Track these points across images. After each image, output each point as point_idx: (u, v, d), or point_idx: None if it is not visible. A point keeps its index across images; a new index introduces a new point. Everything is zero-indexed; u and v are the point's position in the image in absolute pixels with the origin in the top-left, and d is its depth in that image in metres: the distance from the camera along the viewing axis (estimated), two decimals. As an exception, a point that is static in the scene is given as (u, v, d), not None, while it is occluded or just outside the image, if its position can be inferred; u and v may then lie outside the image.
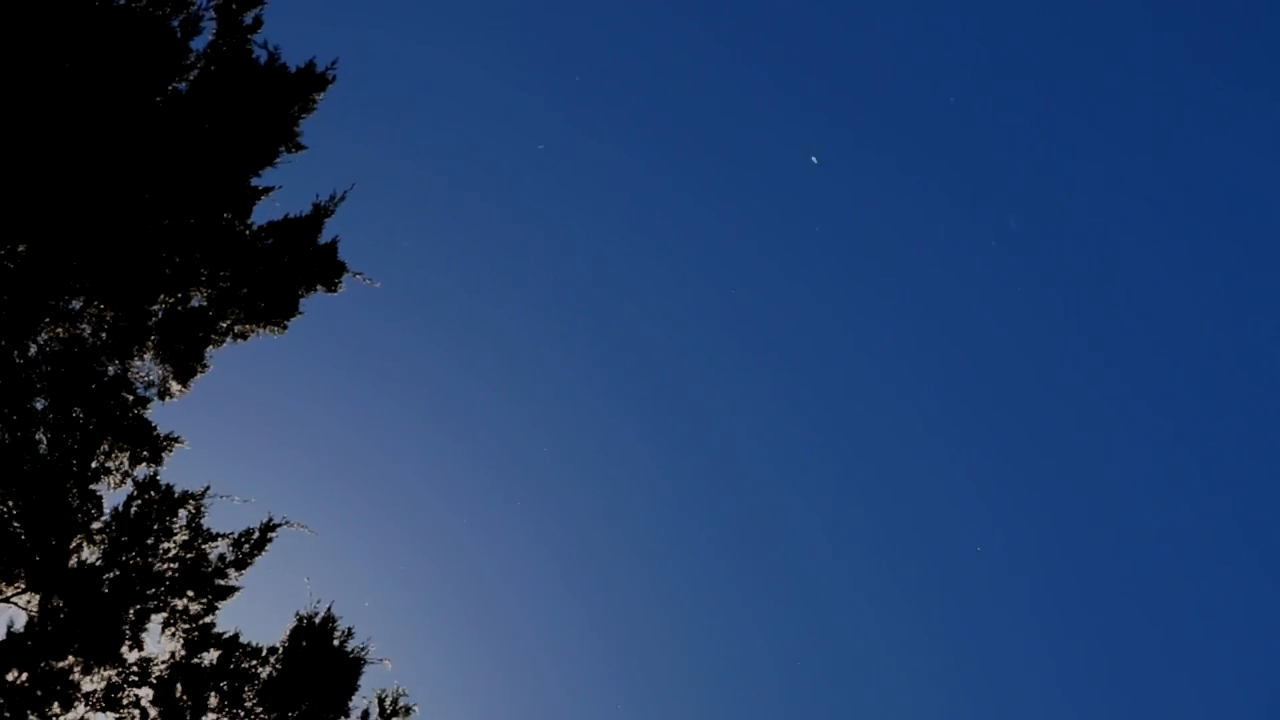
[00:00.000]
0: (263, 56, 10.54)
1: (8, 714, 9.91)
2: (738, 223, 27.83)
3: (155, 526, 10.53)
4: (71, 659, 10.17)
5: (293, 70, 10.56)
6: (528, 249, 26.52)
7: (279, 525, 10.48)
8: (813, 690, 27.59)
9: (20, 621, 10.16)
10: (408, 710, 11.35)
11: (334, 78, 10.61)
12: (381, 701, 11.32)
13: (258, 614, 10.77)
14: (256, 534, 10.49)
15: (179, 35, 10.43)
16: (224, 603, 10.47)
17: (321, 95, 10.62)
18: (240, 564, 10.47)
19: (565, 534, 27.26)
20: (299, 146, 10.70)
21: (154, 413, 10.65)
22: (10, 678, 9.89)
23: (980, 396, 29.17)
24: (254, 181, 10.59)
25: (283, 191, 10.78)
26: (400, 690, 11.40)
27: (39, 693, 10.00)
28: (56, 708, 10.02)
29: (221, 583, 10.49)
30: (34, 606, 10.30)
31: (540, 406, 27.12)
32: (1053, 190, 28.16)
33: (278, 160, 10.58)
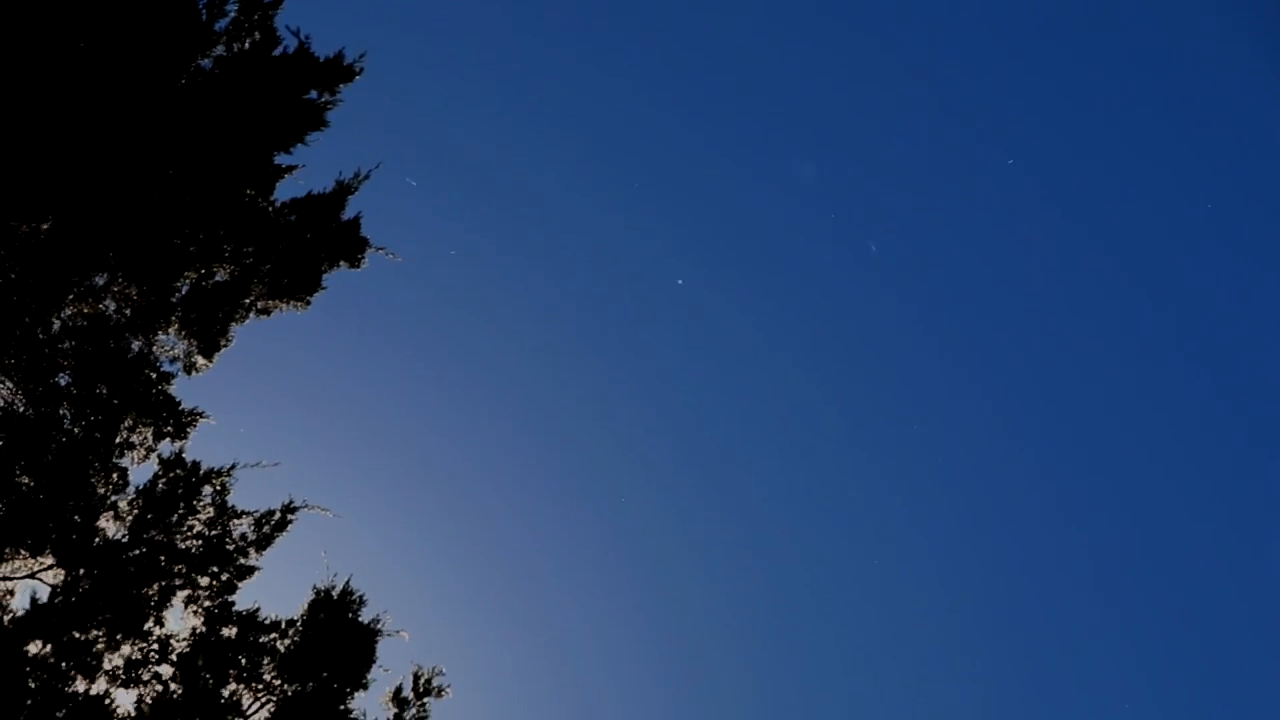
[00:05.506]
0: (292, 43, 10.41)
1: (32, 685, 10.01)
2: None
3: (181, 503, 10.56)
4: (96, 632, 10.24)
5: (321, 59, 10.41)
6: (551, 211, 26.10)
7: (299, 508, 10.44)
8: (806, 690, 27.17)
9: (45, 595, 10.25)
10: (440, 691, 11.30)
11: (362, 69, 10.42)
12: (417, 679, 11.28)
13: (275, 590, 10.78)
14: (278, 515, 10.47)
15: (204, 16, 10.35)
16: (244, 582, 10.47)
17: (348, 86, 10.45)
18: (261, 544, 10.46)
19: (595, 506, 26.96)
20: (323, 123, 10.58)
21: (178, 387, 10.65)
22: (33, 650, 9.99)
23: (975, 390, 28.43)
24: (277, 159, 10.50)
25: (307, 165, 10.68)
26: (436, 669, 11.34)
27: (63, 664, 10.09)
28: (80, 680, 10.10)
29: (244, 561, 10.49)
30: (59, 580, 10.39)
31: (570, 376, 26.77)
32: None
33: (307, 140, 10.48)
